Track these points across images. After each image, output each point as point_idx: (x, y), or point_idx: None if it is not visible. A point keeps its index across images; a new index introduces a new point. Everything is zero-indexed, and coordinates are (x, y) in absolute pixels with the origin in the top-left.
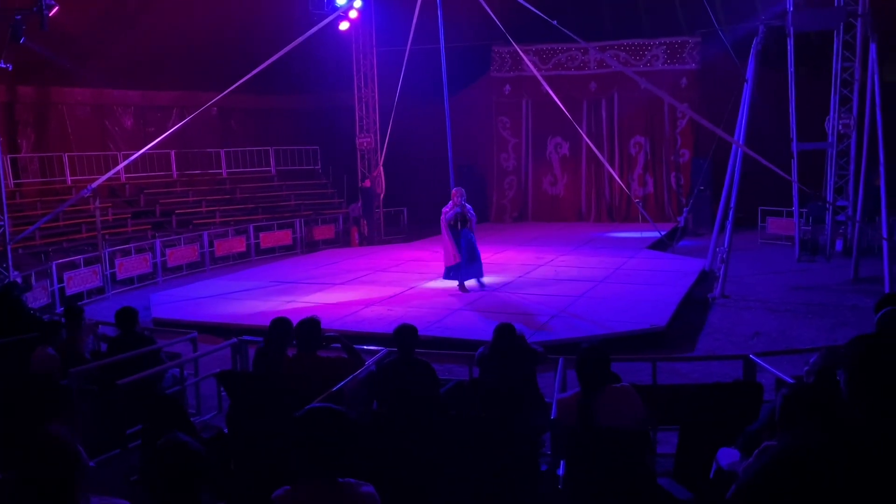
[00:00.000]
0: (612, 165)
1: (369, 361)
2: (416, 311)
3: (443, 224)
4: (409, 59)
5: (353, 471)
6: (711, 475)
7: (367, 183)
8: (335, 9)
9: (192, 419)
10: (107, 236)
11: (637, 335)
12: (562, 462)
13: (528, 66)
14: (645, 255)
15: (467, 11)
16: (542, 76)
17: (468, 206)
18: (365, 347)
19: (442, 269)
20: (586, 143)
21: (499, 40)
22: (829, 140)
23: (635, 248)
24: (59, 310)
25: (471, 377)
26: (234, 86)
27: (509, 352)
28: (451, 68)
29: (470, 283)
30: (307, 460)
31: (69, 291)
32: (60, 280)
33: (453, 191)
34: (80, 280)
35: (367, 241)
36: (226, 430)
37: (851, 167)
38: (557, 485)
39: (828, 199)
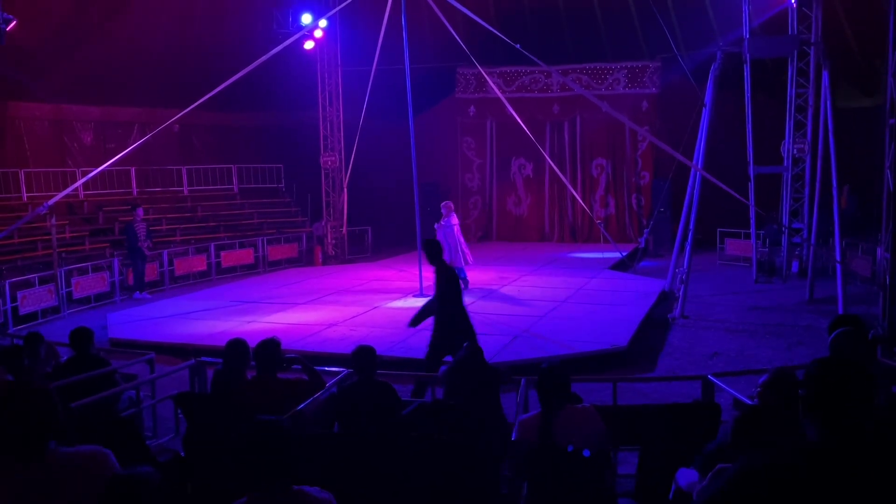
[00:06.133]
0: (575, 187)
1: (330, 383)
2: (380, 332)
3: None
4: (374, 78)
5: (311, 483)
6: (671, 496)
7: (137, 217)
8: (300, 28)
9: (148, 442)
10: (63, 254)
11: (599, 355)
12: (524, 484)
13: (492, 88)
14: (606, 275)
15: (433, 33)
16: (506, 98)
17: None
18: (327, 369)
19: (407, 289)
20: (549, 164)
21: (464, 62)
22: (785, 164)
23: (597, 269)
24: (12, 329)
25: (433, 398)
26: (197, 103)
27: (474, 372)
28: (417, 89)
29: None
30: (256, 471)
31: (23, 311)
32: (14, 299)
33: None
34: (35, 299)
35: (330, 260)
36: (182, 454)
37: (806, 190)
38: None
39: (783, 221)
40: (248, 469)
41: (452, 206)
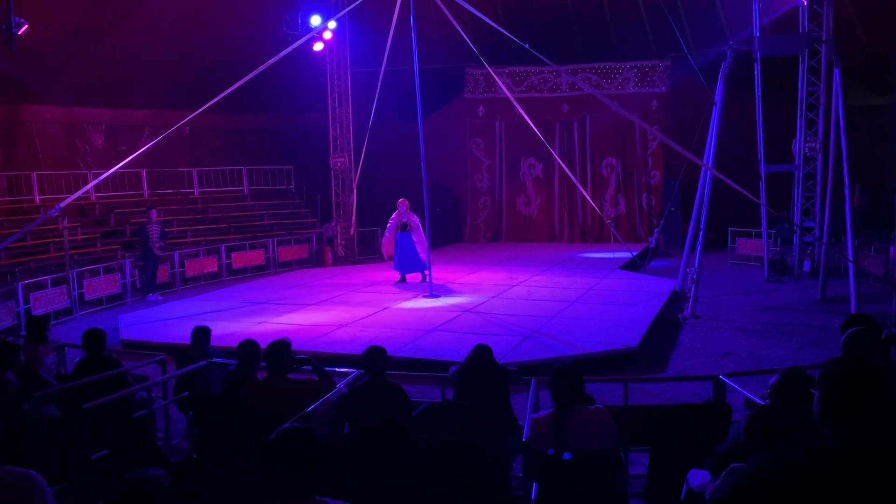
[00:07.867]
0: (585, 186)
1: (340, 384)
2: (389, 332)
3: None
4: (383, 79)
5: (327, 492)
6: (682, 496)
7: (151, 219)
8: (309, 29)
9: (160, 443)
10: (75, 256)
11: (609, 356)
12: (534, 485)
13: (501, 88)
14: (617, 275)
15: (441, 34)
16: (515, 98)
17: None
18: (337, 370)
19: (417, 289)
20: (559, 164)
21: (472, 62)
22: (796, 162)
23: (607, 269)
24: (24, 333)
25: (443, 398)
26: (207, 105)
27: (484, 372)
28: (426, 89)
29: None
30: (284, 479)
31: (35, 313)
32: (27, 301)
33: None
34: (47, 301)
35: (340, 261)
36: (194, 455)
37: (818, 189)
38: None
39: (795, 220)
40: (276, 474)
41: (408, 203)
